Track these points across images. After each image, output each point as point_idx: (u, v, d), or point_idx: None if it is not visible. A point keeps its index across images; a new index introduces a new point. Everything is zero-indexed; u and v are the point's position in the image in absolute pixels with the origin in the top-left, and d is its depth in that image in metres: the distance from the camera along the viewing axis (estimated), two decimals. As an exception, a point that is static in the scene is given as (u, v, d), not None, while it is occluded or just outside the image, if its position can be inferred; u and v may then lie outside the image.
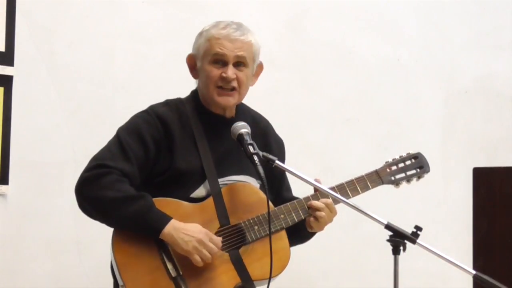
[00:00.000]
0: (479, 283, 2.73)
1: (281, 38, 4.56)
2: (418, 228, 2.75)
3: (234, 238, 3.10)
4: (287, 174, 3.28)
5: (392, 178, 3.28)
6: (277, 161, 2.98)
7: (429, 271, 4.72)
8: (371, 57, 4.82)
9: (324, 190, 3.00)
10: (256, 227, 3.10)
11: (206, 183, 3.13)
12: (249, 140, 3.02)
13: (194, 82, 3.31)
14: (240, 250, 3.09)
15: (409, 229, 2.77)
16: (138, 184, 3.09)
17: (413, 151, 3.35)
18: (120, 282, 3.02)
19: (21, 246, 3.88)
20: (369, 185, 3.24)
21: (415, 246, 2.75)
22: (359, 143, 4.76)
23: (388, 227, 2.77)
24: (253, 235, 3.10)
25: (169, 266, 3.01)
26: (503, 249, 3.63)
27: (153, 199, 3.05)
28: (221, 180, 3.15)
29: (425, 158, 3.34)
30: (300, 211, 3.17)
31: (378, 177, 3.26)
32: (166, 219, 3.01)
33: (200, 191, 3.13)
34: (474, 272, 2.73)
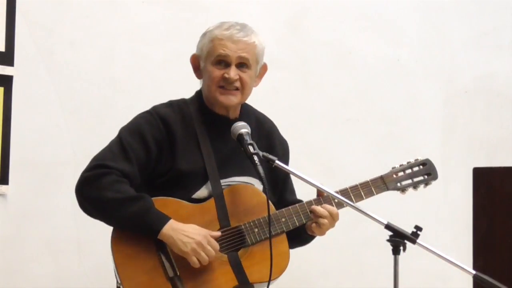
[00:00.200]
0: (479, 283, 2.73)
1: (281, 38, 4.56)
2: (418, 228, 2.75)
3: (234, 240, 3.09)
4: (292, 176, 3.27)
5: (398, 184, 3.24)
6: (277, 161, 2.97)
7: (429, 271, 4.72)
8: (371, 57, 4.82)
9: (326, 191, 3.00)
10: (256, 230, 3.09)
11: (208, 184, 3.12)
12: (249, 140, 3.01)
13: (194, 82, 3.31)
14: (239, 253, 3.09)
15: (409, 229, 2.77)
16: (138, 185, 3.09)
17: (421, 157, 3.31)
18: (118, 281, 3.03)
19: (21, 246, 3.88)
20: (374, 191, 3.21)
21: (415, 246, 2.75)
22: (359, 143, 4.76)
23: (388, 227, 2.77)
24: (253, 238, 3.09)
25: (167, 266, 3.01)
26: (503, 249, 3.63)
27: (154, 199, 3.05)
28: (223, 181, 3.14)
29: (433, 165, 3.30)
30: (301, 215, 3.15)
31: (383, 183, 3.23)
32: (165, 219, 3.01)
33: (202, 192, 3.13)
34: (474, 272, 2.73)
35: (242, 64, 3.17)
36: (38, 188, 3.92)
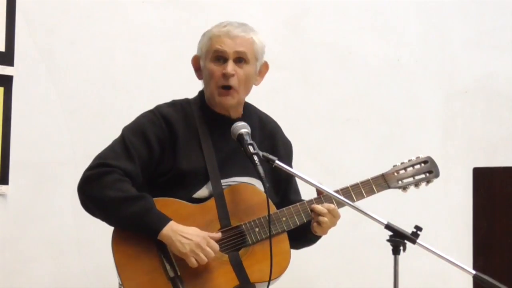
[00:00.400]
0: (479, 283, 2.73)
1: (281, 38, 4.56)
2: (418, 228, 2.75)
3: (234, 240, 3.09)
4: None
5: (400, 182, 3.24)
6: (277, 161, 2.97)
7: (429, 271, 4.72)
8: (371, 57, 4.82)
9: (326, 191, 3.00)
10: (257, 229, 3.09)
11: (209, 183, 3.13)
12: (249, 140, 3.01)
13: (194, 82, 3.31)
14: (240, 252, 3.09)
15: (409, 229, 2.77)
16: (140, 183, 3.10)
17: (422, 155, 3.31)
18: (118, 281, 3.03)
19: (21, 246, 3.88)
20: (375, 189, 3.21)
21: (415, 246, 2.75)
22: (359, 143, 4.75)
23: (388, 227, 2.77)
24: (253, 238, 3.09)
25: (167, 266, 3.01)
26: (503, 249, 3.63)
27: (155, 199, 3.06)
28: (224, 181, 3.14)
29: (435, 163, 3.29)
30: (302, 214, 3.15)
31: (384, 181, 3.22)
32: (165, 220, 3.01)
33: (202, 192, 3.13)
34: (474, 272, 2.73)
35: (240, 59, 3.17)
36: (38, 188, 3.92)
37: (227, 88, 3.15)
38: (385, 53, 4.86)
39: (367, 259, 4.66)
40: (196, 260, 2.99)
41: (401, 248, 2.74)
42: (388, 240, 2.76)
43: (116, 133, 3.19)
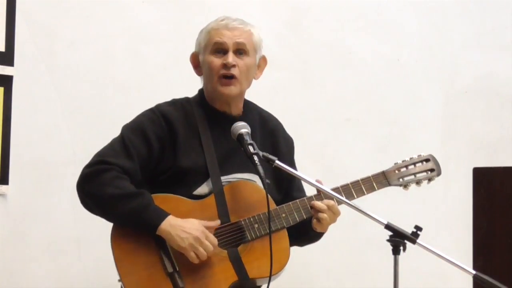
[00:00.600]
0: (479, 283, 2.73)
1: (281, 38, 4.56)
2: (418, 228, 2.75)
3: (234, 236, 3.10)
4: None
5: (401, 180, 3.24)
6: (277, 161, 2.98)
7: (429, 271, 4.72)
8: (371, 57, 4.82)
9: (325, 191, 3.00)
10: (256, 226, 3.10)
11: (209, 180, 3.14)
12: (249, 140, 3.02)
13: (194, 82, 3.32)
14: (239, 248, 3.10)
15: (409, 229, 2.77)
16: (139, 181, 3.10)
17: (424, 153, 3.31)
18: (118, 277, 3.04)
19: (21, 246, 3.88)
20: (375, 186, 3.21)
21: (415, 246, 2.75)
22: (359, 143, 4.75)
23: (388, 227, 2.77)
24: (252, 234, 3.10)
25: (166, 261, 3.02)
26: (503, 249, 3.63)
27: (154, 195, 3.08)
28: (225, 178, 3.15)
29: (436, 161, 3.29)
30: (302, 211, 3.16)
31: (384, 179, 3.22)
32: (164, 215, 3.02)
33: (202, 189, 3.14)
34: (474, 272, 2.73)
35: (240, 50, 3.19)
36: (38, 188, 3.92)
37: (229, 77, 3.16)
38: (385, 53, 4.86)
39: (367, 259, 4.66)
40: (196, 255, 2.99)
41: (401, 248, 2.74)
42: (388, 240, 2.76)
43: (116, 133, 3.20)
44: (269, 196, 3.00)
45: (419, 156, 3.29)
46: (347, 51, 4.76)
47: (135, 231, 3.04)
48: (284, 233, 3.14)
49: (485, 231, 3.69)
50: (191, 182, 3.13)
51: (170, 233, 3.00)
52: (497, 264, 3.62)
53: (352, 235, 4.58)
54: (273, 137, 3.31)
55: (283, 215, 3.13)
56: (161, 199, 3.07)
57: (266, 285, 3.05)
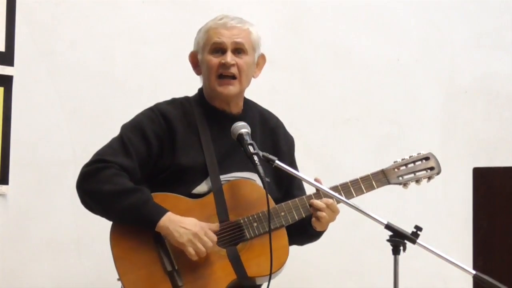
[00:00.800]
0: (479, 283, 2.73)
1: (281, 38, 4.56)
2: (418, 228, 2.75)
3: (233, 235, 3.10)
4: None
5: (400, 178, 3.23)
6: (277, 161, 2.98)
7: (429, 271, 4.72)
8: (371, 57, 4.82)
9: (324, 190, 3.00)
10: (255, 224, 3.10)
11: (208, 179, 3.14)
12: (249, 140, 3.02)
13: (194, 82, 3.32)
14: (238, 247, 3.10)
15: (409, 229, 2.77)
16: (138, 179, 3.11)
17: (424, 151, 3.30)
18: (117, 275, 3.04)
19: (21, 246, 3.88)
20: (374, 184, 3.20)
21: (415, 246, 2.75)
22: (359, 143, 4.75)
23: (388, 227, 2.77)
24: (251, 232, 3.10)
25: (165, 260, 3.02)
26: (503, 249, 3.63)
27: (153, 194, 3.08)
28: (224, 177, 3.15)
29: (436, 159, 3.28)
30: (301, 209, 3.16)
31: (384, 177, 3.22)
32: (163, 211, 3.03)
33: (202, 187, 3.14)
34: (474, 272, 2.73)
35: (238, 50, 3.19)
36: (38, 188, 3.92)
37: (228, 77, 3.16)
38: (385, 53, 4.86)
39: (367, 259, 4.66)
40: (194, 250, 2.99)
41: (401, 248, 2.74)
42: (388, 240, 2.76)
43: (116, 133, 3.20)
44: (268, 195, 2.99)
45: (418, 154, 3.28)
46: (347, 51, 4.76)
47: (135, 227, 3.04)
48: (283, 231, 3.13)
49: (485, 231, 3.69)
50: (190, 181, 3.13)
51: (169, 229, 3.01)
52: (497, 264, 3.62)
53: (352, 235, 4.58)
54: (274, 135, 3.31)
55: (282, 213, 3.14)
56: (160, 198, 3.07)
57: (267, 284, 3.05)
